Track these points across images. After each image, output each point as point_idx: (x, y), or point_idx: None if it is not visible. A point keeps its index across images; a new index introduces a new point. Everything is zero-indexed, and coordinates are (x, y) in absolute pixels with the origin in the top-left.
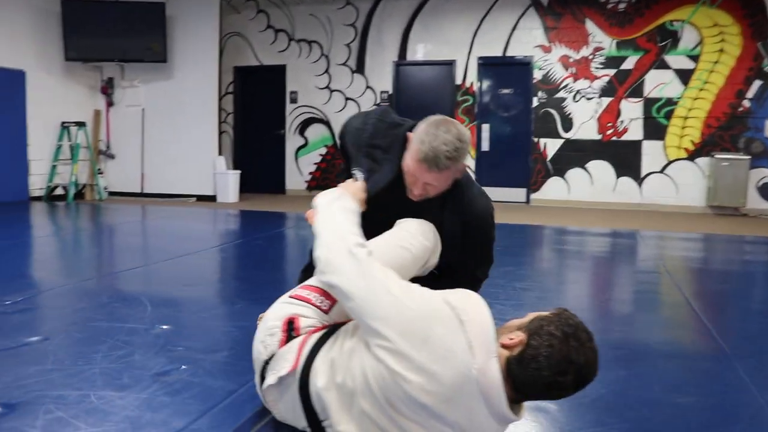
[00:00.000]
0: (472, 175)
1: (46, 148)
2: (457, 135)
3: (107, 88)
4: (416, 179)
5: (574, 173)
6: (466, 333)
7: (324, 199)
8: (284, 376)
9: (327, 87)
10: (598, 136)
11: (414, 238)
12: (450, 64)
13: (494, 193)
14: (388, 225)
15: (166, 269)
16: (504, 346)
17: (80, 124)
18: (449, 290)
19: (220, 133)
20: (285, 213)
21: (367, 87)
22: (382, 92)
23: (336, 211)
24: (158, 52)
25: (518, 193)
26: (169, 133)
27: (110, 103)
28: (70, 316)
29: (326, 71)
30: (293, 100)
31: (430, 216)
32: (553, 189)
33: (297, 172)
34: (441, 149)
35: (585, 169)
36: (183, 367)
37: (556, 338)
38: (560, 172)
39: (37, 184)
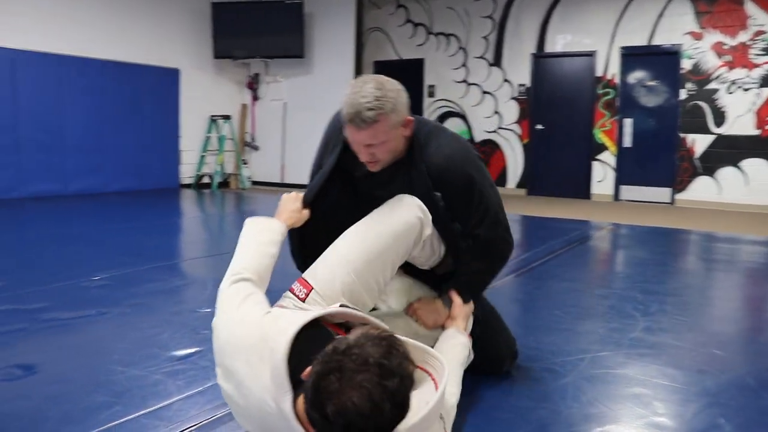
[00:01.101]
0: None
1: (196, 140)
2: (376, 85)
3: (253, 84)
4: (356, 145)
5: (726, 172)
6: (269, 364)
7: (245, 228)
8: None
9: (464, 80)
10: (756, 132)
11: (388, 214)
12: (591, 55)
13: (636, 192)
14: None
15: None
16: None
17: (226, 118)
18: (285, 314)
19: None
20: None
21: (505, 80)
22: (519, 85)
23: (242, 241)
24: (296, 48)
25: (662, 193)
26: (308, 126)
27: (255, 98)
28: (138, 294)
29: (463, 64)
30: (431, 94)
31: (399, 187)
32: (701, 189)
33: None
34: (360, 102)
35: (739, 167)
36: (197, 349)
37: (317, 374)
38: (710, 171)
39: (187, 172)
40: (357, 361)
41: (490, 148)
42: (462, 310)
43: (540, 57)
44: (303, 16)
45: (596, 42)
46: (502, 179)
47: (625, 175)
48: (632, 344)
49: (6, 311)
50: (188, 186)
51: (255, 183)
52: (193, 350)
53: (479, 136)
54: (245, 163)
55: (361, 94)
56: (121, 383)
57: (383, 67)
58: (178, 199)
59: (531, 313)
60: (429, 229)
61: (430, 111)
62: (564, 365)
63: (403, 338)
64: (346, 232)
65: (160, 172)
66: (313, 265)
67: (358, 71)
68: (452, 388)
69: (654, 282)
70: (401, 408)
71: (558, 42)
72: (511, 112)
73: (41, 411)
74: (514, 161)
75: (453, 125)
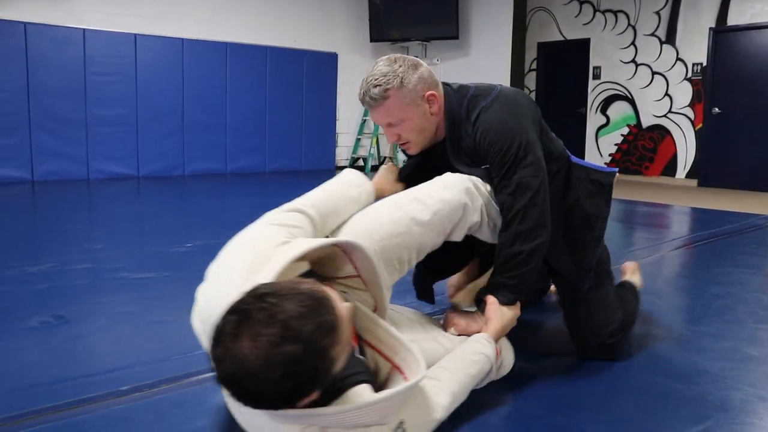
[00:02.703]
0: None
1: (352, 123)
2: (387, 62)
3: None
4: (382, 127)
5: None
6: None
7: (337, 176)
8: None
9: (632, 61)
10: None
11: (431, 192)
12: None
13: None
14: None
15: None
16: None
17: None
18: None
19: None
20: None
21: (678, 59)
22: (694, 65)
23: (324, 185)
24: (450, 29)
25: None
26: None
27: None
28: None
29: (632, 43)
30: (596, 76)
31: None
32: None
33: (597, 153)
34: (368, 80)
35: None
36: None
37: (225, 310)
38: None
39: (342, 155)
40: (265, 312)
41: (658, 134)
42: (498, 313)
43: (720, 31)
44: None
45: None
46: (671, 168)
47: None
48: (719, 355)
49: (83, 269)
50: (343, 167)
51: None
52: None
53: (647, 121)
54: None
55: (370, 73)
56: (129, 340)
57: (547, 49)
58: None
59: None
60: (476, 216)
61: (595, 94)
62: (606, 369)
63: (378, 322)
64: (383, 199)
65: (317, 153)
66: (343, 224)
67: (520, 53)
68: (442, 399)
69: None
70: (298, 380)
71: (745, 12)
72: (684, 94)
73: (52, 358)
74: (685, 149)
75: (619, 110)
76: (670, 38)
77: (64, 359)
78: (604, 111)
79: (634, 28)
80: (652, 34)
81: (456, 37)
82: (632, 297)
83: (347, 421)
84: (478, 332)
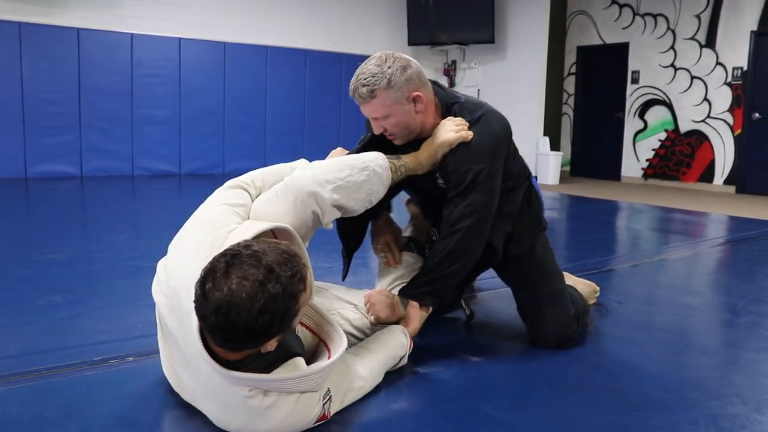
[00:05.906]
0: None
1: None
2: (378, 61)
3: (449, 70)
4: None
5: None
6: (215, 251)
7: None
8: None
9: (671, 65)
10: None
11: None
12: None
13: None
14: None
15: None
16: None
17: None
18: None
19: (561, 115)
20: (616, 202)
21: (717, 63)
22: (734, 69)
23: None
24: (486, 34)
25: None
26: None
27: (452, 84)
28: None
29: (671, 47)
30: (634, 80)
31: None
32: None
33: (634, 158)
34: (358, 77)
35: None
36: None
37: (215, 257)
38: None
39: None
40: (252, 257)
41: (696, 139)
42: (418, 315)
43: (763, 34)
44: (494, 1)
45: None
46: (708, 174)
47: None
48: (657, 356)
49: (101, 256)
50: None
51: None
52: None
53: (685, 126)
54: None
55: (362, 70)
56: (121, 319)
57: (586, 53)
58: None
59: None
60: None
61: (633, 99)
62: (538, 362)
63: (313, 301)
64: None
65: None
66: None
67: (558, 57)
68: (363, 371)
69: None
70: (273, 316)
71: None
72: (723, 99)
73: (43, 331)
74: (723, 155)
75: (657, 114)
76: (710, 42)
77: (52, 332)
78: (641, 115)
79: (673, 31)
80: (692, 38)
81: (492, 42)
82: (576, 293)
83: (287, 387)
84: (395, 323)
